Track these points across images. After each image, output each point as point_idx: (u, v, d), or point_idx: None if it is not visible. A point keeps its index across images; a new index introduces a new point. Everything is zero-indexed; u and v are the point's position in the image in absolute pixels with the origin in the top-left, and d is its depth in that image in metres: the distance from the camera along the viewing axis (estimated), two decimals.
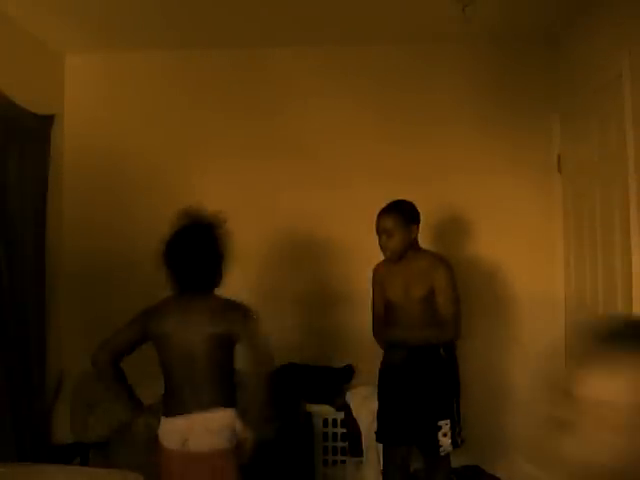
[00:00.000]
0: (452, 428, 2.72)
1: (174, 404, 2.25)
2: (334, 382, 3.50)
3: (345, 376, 3.54)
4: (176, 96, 3.83)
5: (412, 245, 2.81)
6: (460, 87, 3.67)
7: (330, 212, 3.67)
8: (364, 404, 3.32)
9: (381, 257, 2.92)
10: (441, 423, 2.71)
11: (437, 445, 2.70)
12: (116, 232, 3.76)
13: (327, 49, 3.73)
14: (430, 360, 2.78)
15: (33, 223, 3.41)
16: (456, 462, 3.02)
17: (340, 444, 3.34)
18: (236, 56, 3.80)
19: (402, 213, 2.78)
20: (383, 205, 2.84)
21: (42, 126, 3.53)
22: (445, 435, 2.71)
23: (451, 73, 3.70)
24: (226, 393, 2.26)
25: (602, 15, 3.00)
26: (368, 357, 3.55)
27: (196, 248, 2.34)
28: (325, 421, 3.34)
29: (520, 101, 3.63)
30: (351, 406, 3.34)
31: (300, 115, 3.73)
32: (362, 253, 3.64)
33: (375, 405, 2.92)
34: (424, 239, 3.59)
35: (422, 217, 3.60)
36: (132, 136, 3.81)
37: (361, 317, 3.64)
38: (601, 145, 3.07)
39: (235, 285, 3.78)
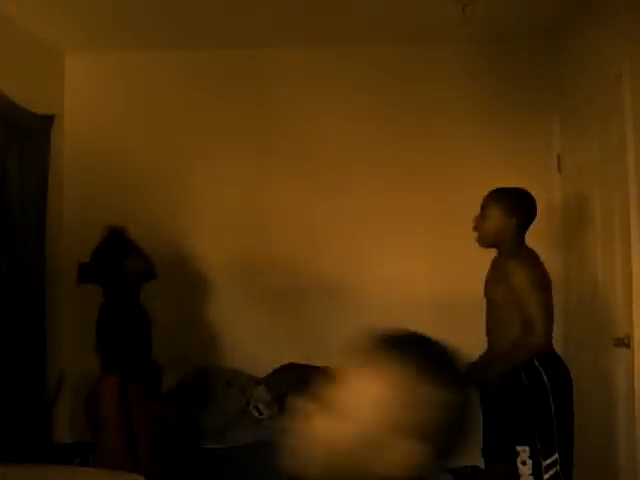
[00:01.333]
0: (532, 458, 2.37)
1: None
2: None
3: None
4: (176, 96, 3.83)
5: (512, 240, 2.54)
6: (460, 87, 3.67)
7: (329, 211, 3.67)
8: None
9: (382, 258, 2.92)
10: (519, 449, 2.38)
11: (517, 473, 2.38)
12: None
13: (327, 49, 3.73)
14: (510, 382, 2.43)
15: (33, 223, 3.41)
16: (455, 462, 3.01)
17: None
18: (236, 56, 3.80)
19: (503, 198, 2.53)
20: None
21: (42, 126, 3.53)
22: (524, 464, 2.37)
23: (451, 73, 3.70)
24: None
25: (602, 15, 3.00)
26: None
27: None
28: None
29: (520, 101, 3.63)
30: None
31: (299, 115, 3.73)
32: (361, 252, 3.65)
33: None
34: (423, 237, 3.60)
35: (421, 217, 3.63)
36: (132, 136, 3.81)
37: (362, 318, 3.65)
38: (601, 145, 3.08)
39: (235, 287, 3.79)
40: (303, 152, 3.71)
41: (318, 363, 3.52)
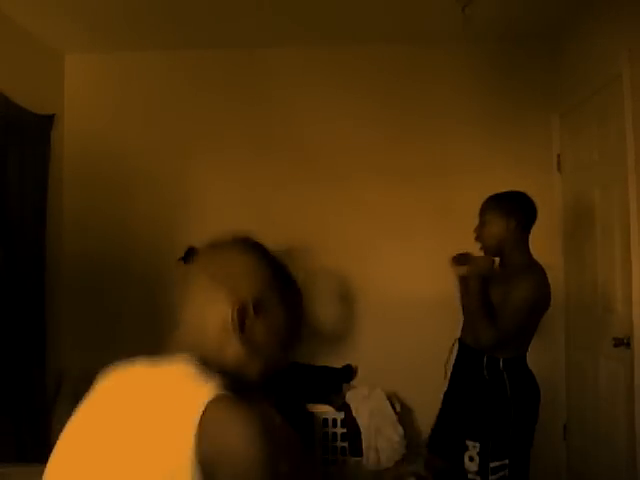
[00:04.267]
0: (481, 455, 2.30)
1: None
2: (334, 382, 3.50)
3: (345, 376, 3.54)
4: (176, 96, 3.83)
5: (516, 247, 2.47)
6: (460, 87, 3.67)
7: (329, 211, 3.68)
8: (364, 404, 3.32)
9: (376, 255, 2.90)
10: (469, 444, 2.34)
11: (463, 467, 2.35)
12: (116, 232, 3.76)
13: (326, 49, 3.73)
14: (471, 376, 2.46)
15: (33, 223, 3.41)
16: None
17: (340, 444, 3.34)
18: (236, 56, 3.80)
19: (500, 202, 2.49)
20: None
21: (42, 126, 3.53)
22: (471, 459, 2.32)
23: (451, 73, 3.70)
24: None
25: (602, 15, 3.00)
26: (367, 357, 3.56)
27: None
28: (325, 421, 3.35)
29: (520, 101, 3.63)
30: (351, 406, 3.34)
31: (300, 115, 3.73)
32: (361, 251, 3.65)
33: (374, 404, 2.91)
34: (423, 236, 3.60)
35: (422, 216, 3.62)
36: (132, 136, 3.81)
37: (362, 317, 3.65)
38: (601, 145, 3.08)
39: None
40: (303, 151, 3.71)
41: (320, 362, 3.53)
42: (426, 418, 3.60)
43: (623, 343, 2.76)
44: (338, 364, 3.55)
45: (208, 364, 0.97)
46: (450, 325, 3.12)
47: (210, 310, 1.02)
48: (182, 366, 0.96)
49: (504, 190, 2.59)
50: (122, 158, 3.78)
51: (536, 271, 2.43)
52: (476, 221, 2.58)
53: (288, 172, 3.73)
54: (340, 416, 3.34)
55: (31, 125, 3.40)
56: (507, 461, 2.30)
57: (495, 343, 2.35)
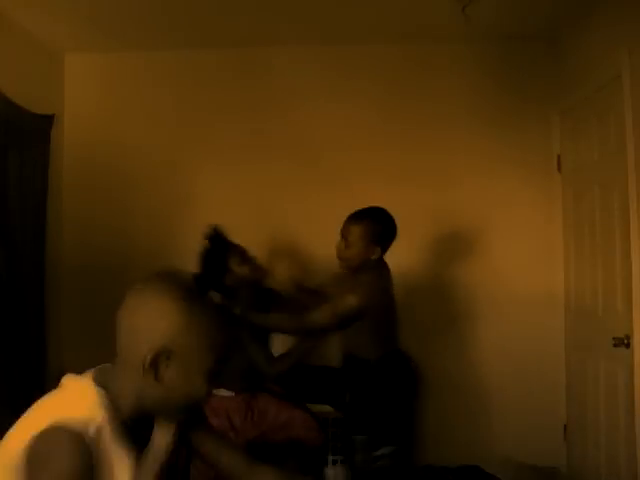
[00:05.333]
0: (366, 446, 2.29)
1: None
2: (334, 382, 3.49)
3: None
4: (176, 96, 3.83)
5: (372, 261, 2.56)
6: (460, 87, 3.67)
7: (328, 210, 3.67)
8: None
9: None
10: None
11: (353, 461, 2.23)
12: (116, 231, 3.76)
13: (326, 49, 3.73)
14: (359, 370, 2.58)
15: (33, 223, 3.41)
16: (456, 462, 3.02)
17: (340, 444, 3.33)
18: (236, 56, 3.80)
19: (369, 227, 2.54)
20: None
21: (42, 126, 3.53)
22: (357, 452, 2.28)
23: (451, 73, 3.70)
24: None
25: (602, 15, 3.00)
26: None
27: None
28: (325, 421, 3.34)
29: (520, 101, 3.63)
30: None
31: (300, 115, 3.73)
32: None
33: None
34: (424, 237, 3.60)
35: (421, 216, 3.62)
36: (132, 136, 3.81)
37: None
38: (601, 145, 3.08)
39: None
40: (304, 151, 3.71)
41: (320, 362, 3.54)
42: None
43: (623, 343, 2.76)
44: (338, 364, 3.54)
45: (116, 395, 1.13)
46: (452, 318, 3.13)
47: (132, 351, 1.12)
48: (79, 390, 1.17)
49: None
50: (122, 158, 3.78)
51: (361, 280, 2.52)
52: (339, 235, 2.63)
53: (288, 172, 3.73)
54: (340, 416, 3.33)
55: (31, 125, 3.40)
56: (393, 447, 2.40)
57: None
